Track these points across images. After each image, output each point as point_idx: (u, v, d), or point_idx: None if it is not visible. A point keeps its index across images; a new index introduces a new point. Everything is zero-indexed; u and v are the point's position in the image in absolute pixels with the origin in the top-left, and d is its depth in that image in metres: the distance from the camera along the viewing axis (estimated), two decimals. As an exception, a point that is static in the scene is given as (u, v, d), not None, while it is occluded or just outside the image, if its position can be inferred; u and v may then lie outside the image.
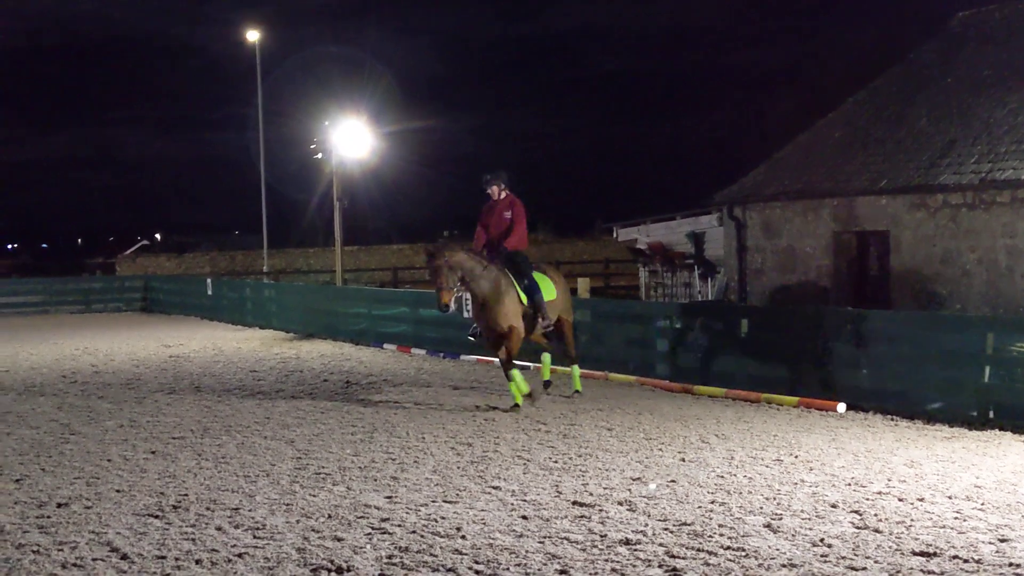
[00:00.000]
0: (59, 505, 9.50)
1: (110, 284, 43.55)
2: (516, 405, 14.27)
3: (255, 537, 8.39)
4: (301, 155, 34.69)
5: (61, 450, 12.06)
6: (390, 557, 7.84)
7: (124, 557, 7.91)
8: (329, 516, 8.99)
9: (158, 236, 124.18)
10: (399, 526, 8.66)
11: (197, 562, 7.77)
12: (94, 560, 7.86)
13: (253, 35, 41.74)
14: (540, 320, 14.57)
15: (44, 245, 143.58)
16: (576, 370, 15.52)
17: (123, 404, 15.46)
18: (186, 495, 9.79)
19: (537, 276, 14.65)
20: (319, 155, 32.16)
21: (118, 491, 10.00)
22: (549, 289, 14.72)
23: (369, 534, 8.44)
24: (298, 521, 8.85)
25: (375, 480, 10.32)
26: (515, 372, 14.38)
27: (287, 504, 9.41)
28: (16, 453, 11.91)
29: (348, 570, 7.55)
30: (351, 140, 31.25)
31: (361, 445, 12.08)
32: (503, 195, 14.78)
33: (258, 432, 12.98)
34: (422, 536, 8.36)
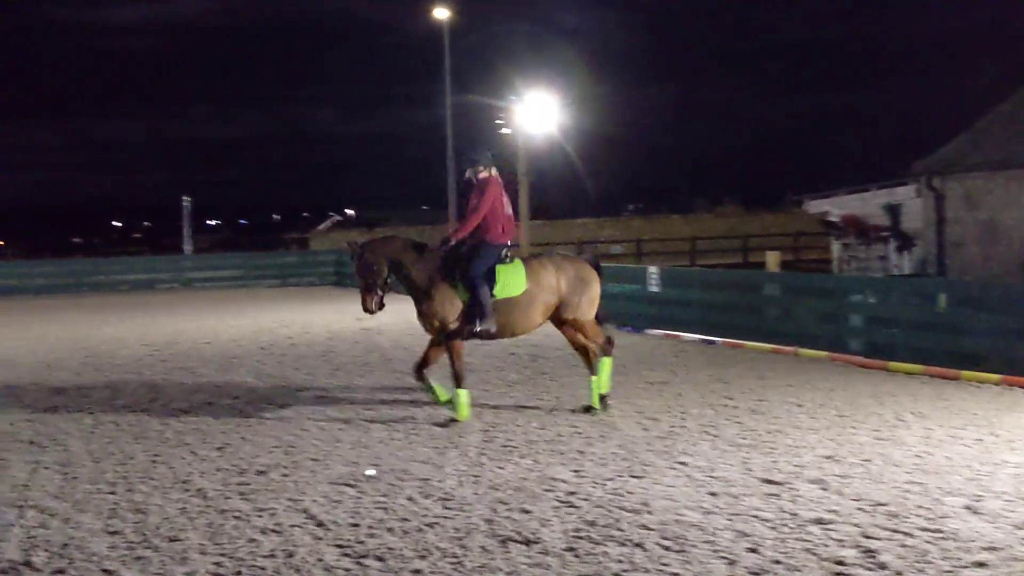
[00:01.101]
0: (258, 472, 9.83)
1: (304, 259, 44.87)
2: (442, 401, 12.41)
3: (444, 508, 8.52)
4: (488, 130, 34.98)
5: (260, 419, 12.47)
6: (577, 531, 7.85)
7: (320, 524, 8.14)
8: (517, 488, 9.05)
9: (350, 211, 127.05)
10: (586, 500, 8.67)
11: (389, 530, 7.93)
12: (292, 526, 8.10)
13: (442, 13, 42.20)
14: (476, 320, 12.05)
15: (243, 221, 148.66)
16: (595, 383, 12.50)
17: (318, 375, 15.89)
18: (378, 465, 10.00)
19: (506, 268, 12.17)
20: (506, 130, 32.35)
21: (314, 460, 10.29)
22: (514, 283, 12.16)
23: (556, 507, 8.47)
24: (486, 493, 8.95)
25: (561, 454, 10.35)
26: (461, 392, 12.21)
27: (475, 476, 9.52)
28: (218, 422, 12.37)
29: (536, 542, 7.60)
30: (537, 114, 31.35)
31: (547, 418, 12.13)
32: (480, 177, 12.41)
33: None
34: (609, 511, 8.35)
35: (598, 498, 8.71)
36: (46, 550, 7.66)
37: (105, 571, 7.21)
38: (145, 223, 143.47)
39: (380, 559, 7.33)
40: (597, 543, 7.56)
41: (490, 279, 12.09)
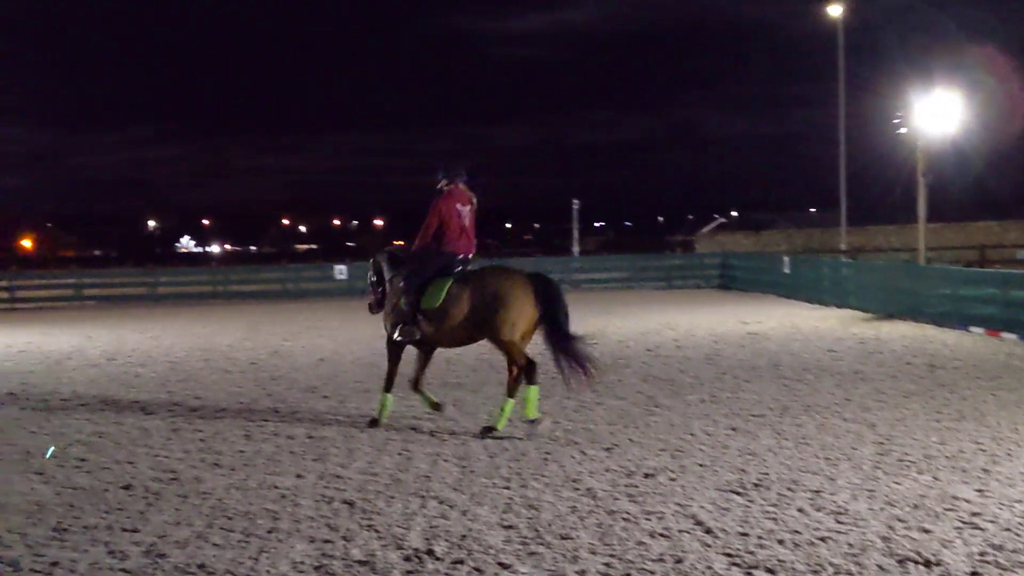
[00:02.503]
0: (646, 475, 9.87)
1: (689, 261, 45.07)
2: (374, 420, 12.64)
3: (837, 522, 8.23)
4: (883, 130, 33.75)
5: (647, 422, 12.54)
6: (982, 554, 7.37)
7: (708, 531, 8.05)
8: (915, 506, 8.62)
9: (734, 213, 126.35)
10: (992, 522, 8.13)
11: (780, 542, 7.74)
12: (680, 532, 8.06)
13: (835, 10, 41.10)
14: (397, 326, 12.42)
15: (628, 223, 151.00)
16: (507, 405, 12.06)
17: (704, 379, 15.81)
18: (767, 474, 9.81)
19: (440, 280, 12.12)
20: (903, 130, 31.06)
21: (701, 465, 10.22)
22: (436, 296, 12.05)
23: (959, 528, 8.00)
24: (882, 509, 8.57)
25: (964, 471, 9.77)
26: (385, 396, 12.62)
27: (870, 490, 9.14)
28: (606, 422, 12.54)
29: (937, 564, 7.20)
30: (938, 113, 29.93)
31: (947, 433, 11.50)
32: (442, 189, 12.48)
33: (838, 413, 12.76)
34: (1018, 534, 7.79)
35: (1006, 520, 8.15)
36: (446, 540, 8.01)
37: (501, 564, 7.43)
38: (535, 225, 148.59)
39: (770, 571, 7.16)
40: (1005, 569, 7.07)
41: (422, 289, 12.18)
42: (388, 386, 12.69)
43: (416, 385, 12.77)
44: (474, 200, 12.57)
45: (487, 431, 11.94)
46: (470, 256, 12.47)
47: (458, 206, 12.34)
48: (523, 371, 11.91)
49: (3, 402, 15.19)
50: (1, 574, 7.50)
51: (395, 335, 12.45)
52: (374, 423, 12.59)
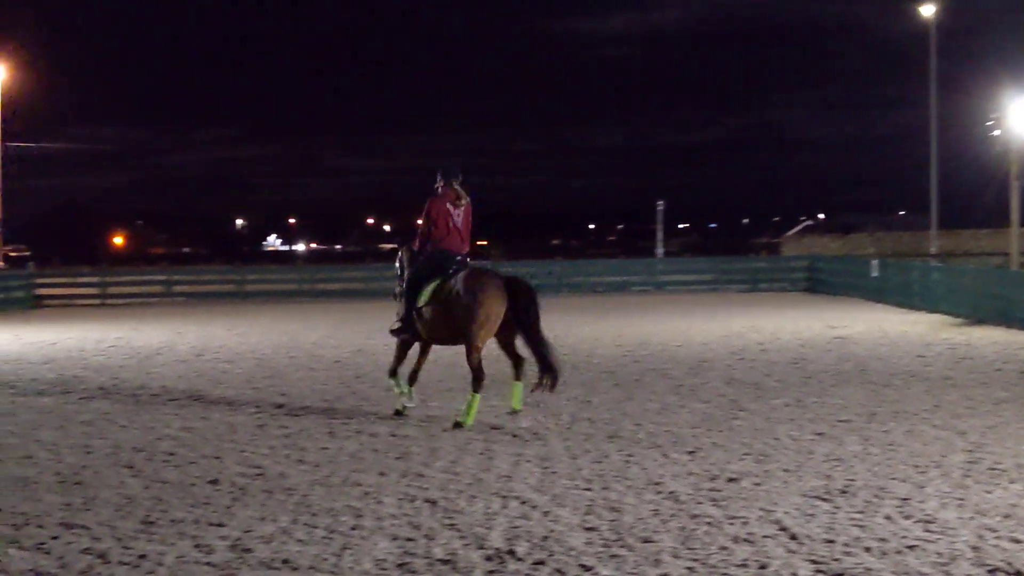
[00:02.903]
0: (730, 480, 9.77)
1: (775, 264, 44.70)
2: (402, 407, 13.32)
3: (926, 530, 8.08)
4: (976, 133, 33.15)
5: (731, 425, 12.43)
6: (1077, 568, 7.19)
7: (793, 537, 7.94)
8: (1006, 516, 8.44)
9: (821, 216, 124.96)
10: (1087, 534, 7.93)
11: (866, 550, 7.61)
12: (764, 537, 7.96)
13: (928, 10, 40.42)
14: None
15: (712, 225, 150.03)
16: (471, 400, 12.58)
17: (789, 383, 15.63)
18: (853, 480, 9.66)
19: (432, 279, 12.68)
20: (996, 132, 30.50)
21: (786, 470, 10.09)
22: (427, 294, 12.64)
23: (1051, 540, 7.82)
24: (972, 518, 8.40)
25: (1057, 481, 9.54)
26: (397, 379, 13.35)
27: (959, 499, 8.97)
28: (689, 425, 12.45)
29: (1029, 576, 7.04)
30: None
31: (1040, 442, 11.25)
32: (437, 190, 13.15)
33: (926, 420, 12.54)
34: (1115, 548, 7.59)
35: (1101, 533, 7.95)
36: (528, 540, 7.99)
37: (582, 566, 7.40)
38: (619, 226, 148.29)
39: (857, 579, 7.05)
40: (1100, 584, 6.89)
41: (418, 286, 12.73)
42: (392, 372, 13.33)
43: (412, 377, 13.40)
44: (465, 200, 13.03)
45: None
46: (466, 256, 12.99)
47: (448, 205, 12.90)
48: (472, 381, 12.44)
49: (94, 396, 15.51)
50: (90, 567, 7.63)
51: (391, 328, 13.25)
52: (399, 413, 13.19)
